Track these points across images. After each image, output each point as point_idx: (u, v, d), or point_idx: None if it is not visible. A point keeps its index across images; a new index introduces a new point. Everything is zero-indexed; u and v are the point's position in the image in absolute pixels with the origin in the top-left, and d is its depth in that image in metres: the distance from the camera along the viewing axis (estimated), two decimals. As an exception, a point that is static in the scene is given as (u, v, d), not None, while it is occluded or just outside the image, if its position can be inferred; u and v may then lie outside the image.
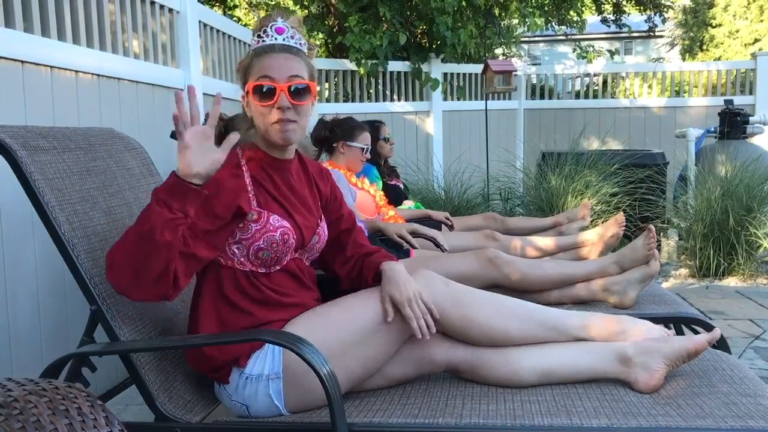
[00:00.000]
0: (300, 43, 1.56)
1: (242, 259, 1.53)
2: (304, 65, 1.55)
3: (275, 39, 1.53)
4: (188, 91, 1.36)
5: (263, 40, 1.54)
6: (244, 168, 1.56)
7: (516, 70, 6.24)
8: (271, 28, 1.54)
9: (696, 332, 2.15)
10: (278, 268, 1.57)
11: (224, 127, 1.92)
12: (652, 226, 2.34)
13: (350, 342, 1.50)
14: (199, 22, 3.40)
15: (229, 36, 3.97)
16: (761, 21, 17.64)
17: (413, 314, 1.49)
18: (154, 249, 1.32)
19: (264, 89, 1.50)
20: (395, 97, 6.52)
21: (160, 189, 1.36)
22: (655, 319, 2.22)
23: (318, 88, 6.06)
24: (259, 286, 1.54)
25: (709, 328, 2.03)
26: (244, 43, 4.25)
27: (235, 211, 1.48)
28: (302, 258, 1.64)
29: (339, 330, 1.50)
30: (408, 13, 6.51)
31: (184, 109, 1.35)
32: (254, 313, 1.53)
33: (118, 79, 2.63)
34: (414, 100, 6.60)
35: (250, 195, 1.53)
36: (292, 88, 1.50)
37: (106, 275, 1.39)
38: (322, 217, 1.70)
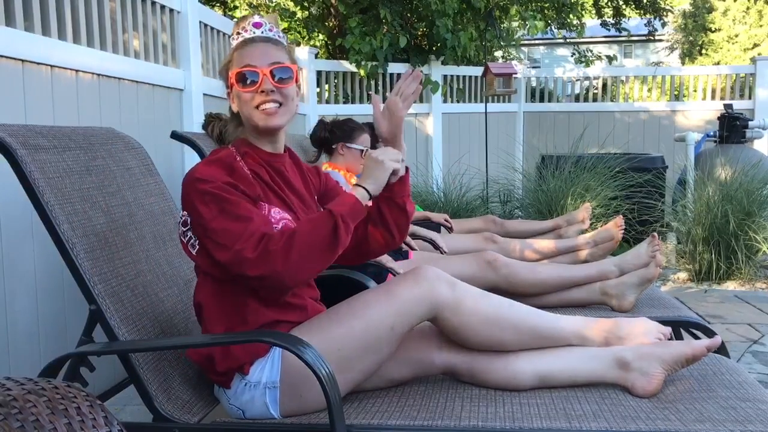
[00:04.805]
0: (278, 36, 1.59)
1: None
2: (284, 52, 1.57)
3: (254, 33, 1.56)
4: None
5: (242, 36, 1.57)
6: (240, 163, 1.55)
7: (516, 73, 6.24)
8: (248, 23, 1.57)
9: (695, 336, 2.15)
10: None
11: (223, 125, 1.91)
12: (655, 234, 2.35)
13: (351, 354, 1.48)
14: (200, 22, 3.40)
15: (230, 36, 3.97)
16: (760, 26, 17.69)
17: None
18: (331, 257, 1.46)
19: (246, 75, 1.51)
20: (395, 99, 6.51)
21: (347, 214, 1.44)
22: (654, 323, 2.24)
23: (318, 90, 6.06)
24: None
25: (708, 331, 2.03)
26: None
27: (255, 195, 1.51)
28: None
29: (340, 345, 1.48)
30: (408, 15, 6.52)
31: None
32: (258, 310, 1.50)
33: (119, 78, 2.62)
34: (414, 102, 6.60)
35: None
36: (275, 72, 1.51)
37: (275, 262, 1.39)
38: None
